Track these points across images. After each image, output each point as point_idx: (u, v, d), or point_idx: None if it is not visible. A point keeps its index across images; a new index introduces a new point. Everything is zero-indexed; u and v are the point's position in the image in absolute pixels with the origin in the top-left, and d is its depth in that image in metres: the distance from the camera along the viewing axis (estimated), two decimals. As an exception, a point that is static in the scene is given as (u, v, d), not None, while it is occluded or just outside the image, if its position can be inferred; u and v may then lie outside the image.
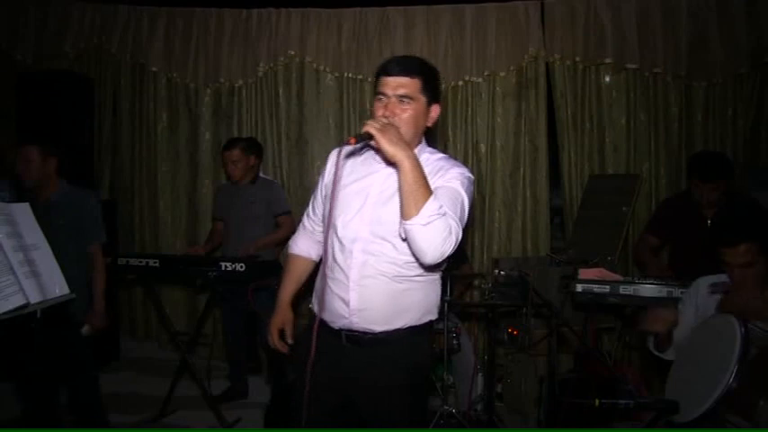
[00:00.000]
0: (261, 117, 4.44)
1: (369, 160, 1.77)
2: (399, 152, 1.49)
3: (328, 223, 1.70)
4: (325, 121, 4.44)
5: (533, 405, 3.14)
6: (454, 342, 3.21)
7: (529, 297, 3.01)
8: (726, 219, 2.88)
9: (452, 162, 1.74)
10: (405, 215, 1.50)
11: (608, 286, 2.74)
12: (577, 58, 4.15)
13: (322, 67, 4.38)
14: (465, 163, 4.15)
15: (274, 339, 1.93)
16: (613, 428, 2.75)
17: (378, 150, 1.59)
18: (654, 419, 2.21)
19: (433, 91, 1.71)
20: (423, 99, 1.69)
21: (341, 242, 1.71)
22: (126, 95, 4.58)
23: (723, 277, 2.21)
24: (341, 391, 1.77)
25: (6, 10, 4.42)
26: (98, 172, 4.57)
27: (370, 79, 4.31)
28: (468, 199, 1.65)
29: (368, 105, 4.35)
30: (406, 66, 1.68)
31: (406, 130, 1.64)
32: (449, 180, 1.65)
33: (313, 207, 1.92)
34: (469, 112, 4.28)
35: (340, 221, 1.71)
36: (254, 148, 3.72)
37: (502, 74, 4.23)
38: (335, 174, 1.69)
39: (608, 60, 4.10)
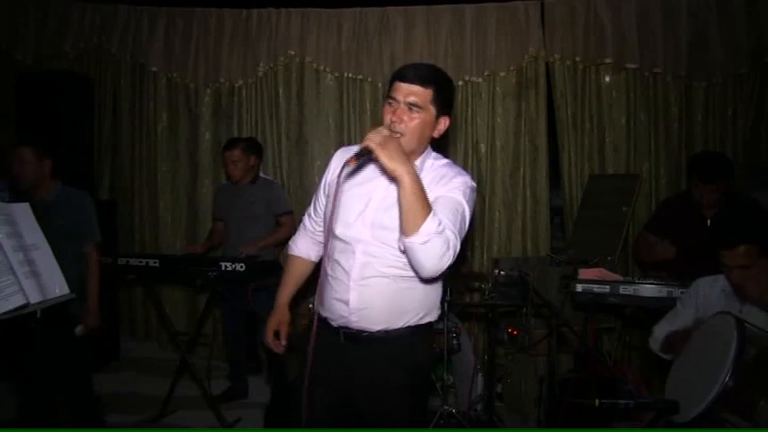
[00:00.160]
0: (261, 117, 4.44)
1: (373, 164, 1.74)
2: (399, 167, 1.48)
3: (330, 223, 1.70)
4: (325, 121, 4.43)
5: (533, 405, 3.14)
6: (454, 342, 3.21)
7: (529, 297, 3.01)
8: (724, 221, 2.87)
9: (456, 170, 1.73)
10: (404, 232, 1.50)
11: (608, 286, 2.75)
12: (577, 58, 4.15)
13: (322, 67, 4.38)
14: (465, 163, 4.23)
15: (269, 339, 1.93)
16: (613, 428, 2.75)
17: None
18: (654, 419, 2.21)
19: (443, 103, 1.69)
20: (432, 110, 1.66)
21: (342, 242, 1.71)
22: (126, 95, 4.58)
23: (722, 278, 2.21)
24: (340, 390, 1.77)
25: (6, 10, 4.42)
26: (98, 172, 4.57)
27: (370, 79, 4.31)
28: (470, 209, 1.65)
29: (368, 105, 4.36)
30: (421, 74, 1.65)
31: (411, 139, 1.64)
32: (451, 190, 1.64)
33: (314, 206, 1.92)
34: (469, 112, 4.28)
35: (342, 222, 1.71)
36: (254, 148, 3.72)
37: (502, 74, 4.23)
38: (336, 189, 1.62)
39: (608, 60, 4.10)
